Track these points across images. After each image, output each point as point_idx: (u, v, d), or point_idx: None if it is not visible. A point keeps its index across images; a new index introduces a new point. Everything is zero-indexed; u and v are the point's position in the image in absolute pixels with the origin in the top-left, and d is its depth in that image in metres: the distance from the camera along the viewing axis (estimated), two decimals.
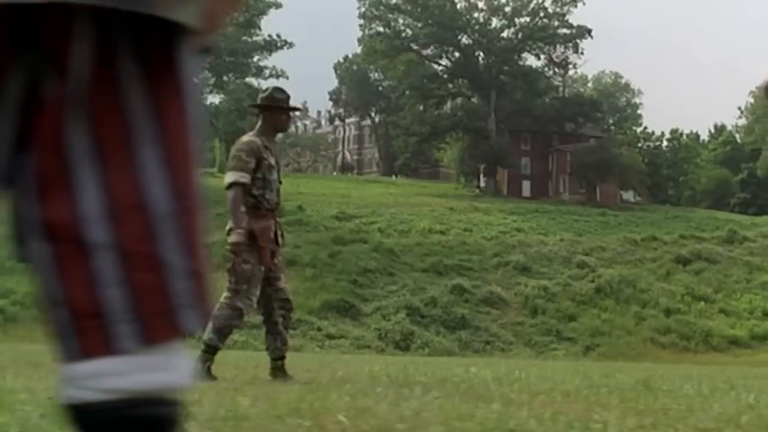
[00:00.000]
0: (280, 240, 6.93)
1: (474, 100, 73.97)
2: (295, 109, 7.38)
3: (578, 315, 40.50)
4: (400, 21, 71.78)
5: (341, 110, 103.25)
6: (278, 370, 6.93)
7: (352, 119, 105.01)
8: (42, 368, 6.10)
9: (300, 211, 50.00)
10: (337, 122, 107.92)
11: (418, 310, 38.39)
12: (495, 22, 74.08)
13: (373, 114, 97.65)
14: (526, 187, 73.68)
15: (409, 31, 72.21)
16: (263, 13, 63.92)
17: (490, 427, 3.02)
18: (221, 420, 2.95)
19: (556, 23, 74.03)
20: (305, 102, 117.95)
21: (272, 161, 6.96)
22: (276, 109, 7.06)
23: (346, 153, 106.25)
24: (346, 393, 4.38)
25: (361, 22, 71.90)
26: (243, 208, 6.82)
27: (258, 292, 6.75)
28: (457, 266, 44.07)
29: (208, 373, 6.59)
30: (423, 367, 9.12)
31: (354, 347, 34.20)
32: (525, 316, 40.35)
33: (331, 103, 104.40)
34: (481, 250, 47.04)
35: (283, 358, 6.94)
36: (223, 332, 6.77)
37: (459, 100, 75.73)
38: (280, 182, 7.12)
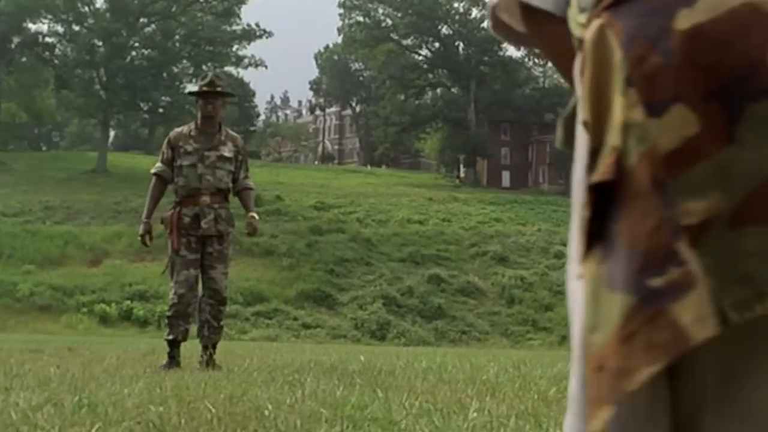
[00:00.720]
0: (204, 225, 6.90)
1: (454, 90, 73.89)
2: (213, 93, 7.25)
3: (555, 305, 40.60)
4: (380, 11, 71.55)
5: (322, 100, 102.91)
6: (206, 357, 6.95)
7: (333, 109, 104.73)
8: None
9: (278, 200, 49.99)
10: (317, 112, 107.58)
11: (394, 300, 38.45)
12: (475, 12, 73.96)
13: (353, 104, 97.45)
14: (506, 177, 73.81)
15: (388, 21, 72.01)
16: (242, 2, 63.66)
17: (350, 414, 3.04)
18: (72, 408, 2.94)
19: None
20: (286, 91, 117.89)
21: (189, 148, 7.01)
22: (198, 95, 7.18)
23: (327, 143, 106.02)
24: (245, 381, 4.38)
25: (341, 11, 71.78)
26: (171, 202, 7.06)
27: (182, 278, 6.79)
28: (434, 256, 44.13)
29: (170, 362, 6.79)
30: (368, 358, 9.11)
31: (330, 337, 34.24)
32: (501, 306, 40.47)
33: (311, 92, 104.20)
34: (459, 240, 47.11)
35: (207, 347, 6.96)
36: (169, 324, 6.89)
37: (439, 90, 75.59)
38: (218, 167, 7.09)
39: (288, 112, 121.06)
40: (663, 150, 1.17)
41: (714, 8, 1.19)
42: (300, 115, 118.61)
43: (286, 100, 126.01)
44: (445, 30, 73.24)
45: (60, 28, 63.44)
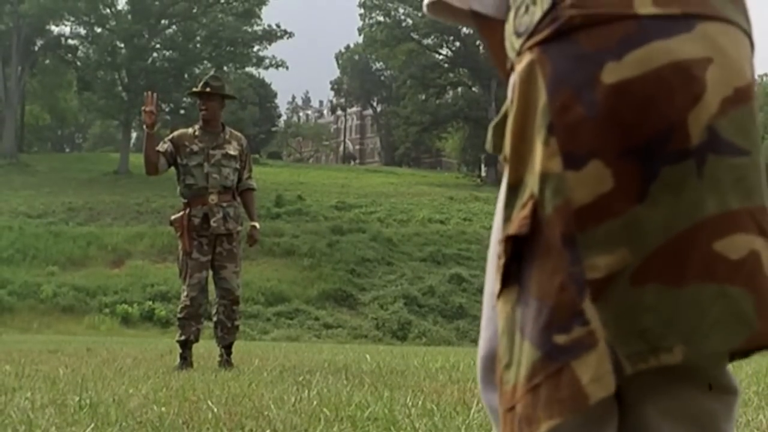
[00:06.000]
0: (213, 224, 6.92)
1: (475, 89, 73.68)
2: (207, 94, 7.27)
3: None
4: (401, 10, 71.48)
5: (343, 100, 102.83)
6: (223, 357, 6.99)
7: (354, 109, 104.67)
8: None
9: (300, 200, 50.03)
10: (338, 112, 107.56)
11: (415, 300, 38.32)
12: None
13: (374, 104, 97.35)
14: None
15: (409, 21, 71.91)
16: (263, 2, 63.77)
17: (350, 413, 3.03)
18: (74, 408, 2.96)
19: None
20: (307, 92, 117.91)
21: (195, 147, 7.06)
22: (196, 96, 7.28)
23: (348, 143, 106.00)
24: (253, 381, 4.38)
25: (362, 11, 71.74)
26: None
27: (195, 281, 6.80)
28: (455, 255, 43.96)
29: (182, 363, 6.81)
30: (384, 358, 9.10)
31: (351, 337, 34.20)
32: None
33: (332, 92, 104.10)
34: (480, 240, 46.90)
35: (223, 347, 6.99)
36: (180, 326, 6.91)
37: (460, 89, 75.41)
38: (223, 165, 7.11)
39: (309, 112, 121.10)
40: (576, 204, 1.19)
41: (641, 65, 1.20)
42: (321, 115, 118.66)
43: (307, 100, 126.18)
44: (465, 29, 72.96)
45: (82, 30, 63.83)
